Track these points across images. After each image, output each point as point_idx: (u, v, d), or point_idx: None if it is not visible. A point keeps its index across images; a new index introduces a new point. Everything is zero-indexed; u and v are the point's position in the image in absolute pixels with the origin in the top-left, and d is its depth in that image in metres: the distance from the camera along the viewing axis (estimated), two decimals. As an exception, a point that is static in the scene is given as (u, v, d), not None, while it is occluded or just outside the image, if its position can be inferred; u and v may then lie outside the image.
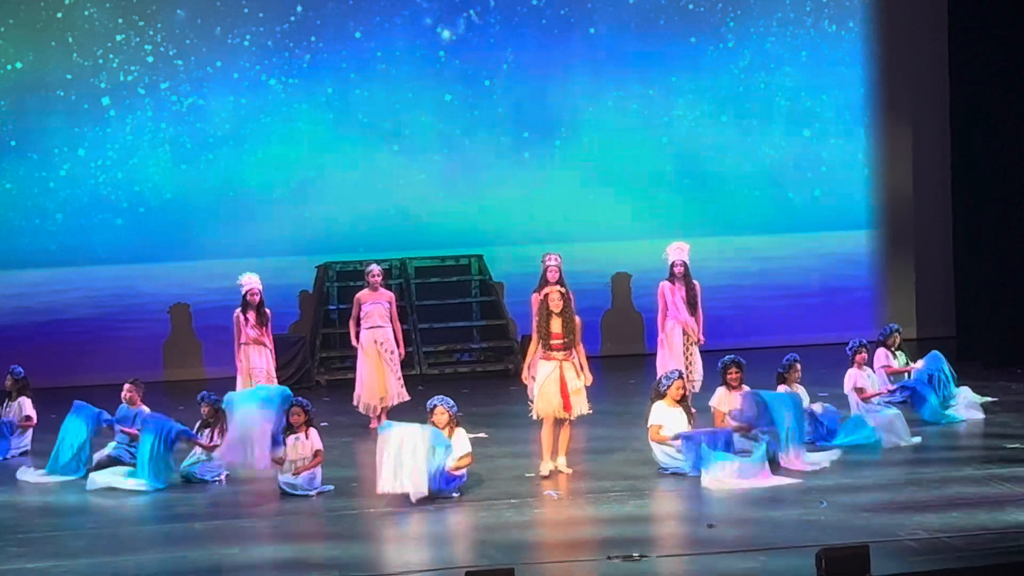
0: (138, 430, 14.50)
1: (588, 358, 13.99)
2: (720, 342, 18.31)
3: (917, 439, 14.64)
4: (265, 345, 16.54)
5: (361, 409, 16.77)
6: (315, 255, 21.49)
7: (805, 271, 22.57)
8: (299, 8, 21.64)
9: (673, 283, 16.11)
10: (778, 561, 10.67)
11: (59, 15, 21.17)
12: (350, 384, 17.40)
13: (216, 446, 14.16)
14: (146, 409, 15.02)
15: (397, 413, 16.41)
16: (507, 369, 20.39)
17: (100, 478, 14.03)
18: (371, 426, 16.52)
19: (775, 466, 13.40)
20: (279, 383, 16.74)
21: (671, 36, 22.17)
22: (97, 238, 21.26)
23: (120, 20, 21.26)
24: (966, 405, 15.95)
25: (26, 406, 16.04)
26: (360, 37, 21.75)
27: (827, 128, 22.61)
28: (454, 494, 13.00)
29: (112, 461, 14.58)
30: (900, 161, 22.68)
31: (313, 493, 13.43)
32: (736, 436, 13.77)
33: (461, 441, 13.24)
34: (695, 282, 16.15)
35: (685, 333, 16.04)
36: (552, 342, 13.70)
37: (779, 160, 22.49)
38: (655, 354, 16.36)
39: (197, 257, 21.21)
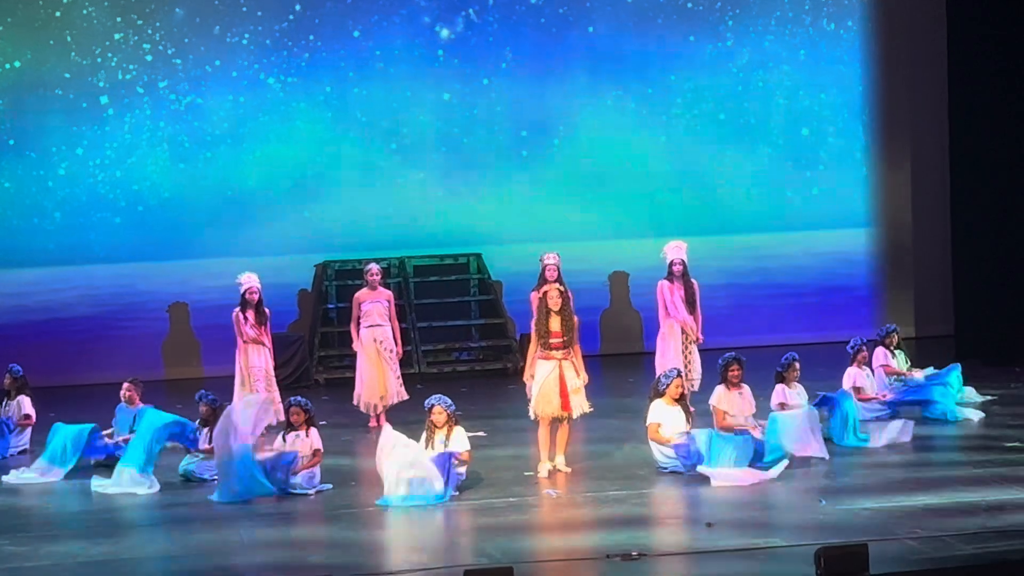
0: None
1: (585, 357, 13.99)
2: (718, 340, 18.32)
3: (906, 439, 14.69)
4: (264, 344, 16.53)
5: (361, 408, 16.77)
6: (314, 254, 21.49)
7: (803, 270, 22.56)
8: (297, 7, 21.63)
9: (672, 282, 16.09)
10: (777, 560, 10.67)
11: (57, 14, 21.16)
12: (349, 383, 17.41)
13: (211, 448, 14.13)
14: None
15: (396, 412, 16.43)
16: (506, 368, 20.40)
17: (98, 483, 13.99)
18: (370, 424, 16.55)
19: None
20: (278, 382, 16.80)
21: (669, 35, 22.18)
22: (95, 237, 21.26)
23: (119, 19, 21.25)
24: (967, 405, 16.01)
25: (25, 405, 16.03)
26: (359, 36, 21.74)
27: (825, 127, 22.62)
28: (453, 492, 13.00)
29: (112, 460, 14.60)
30: (898, 160, 22.69)
31: (312, 492, 13.44)
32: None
33: (459, 439, 13.25)
34: (693, 281, 16.11)
35: (684, 332, 16.04)
36: (551, 340, 13.69)
37: (777, 159, 22.50)
38: (653, 353, 16.37)
39: (196, 256, 21.21)
